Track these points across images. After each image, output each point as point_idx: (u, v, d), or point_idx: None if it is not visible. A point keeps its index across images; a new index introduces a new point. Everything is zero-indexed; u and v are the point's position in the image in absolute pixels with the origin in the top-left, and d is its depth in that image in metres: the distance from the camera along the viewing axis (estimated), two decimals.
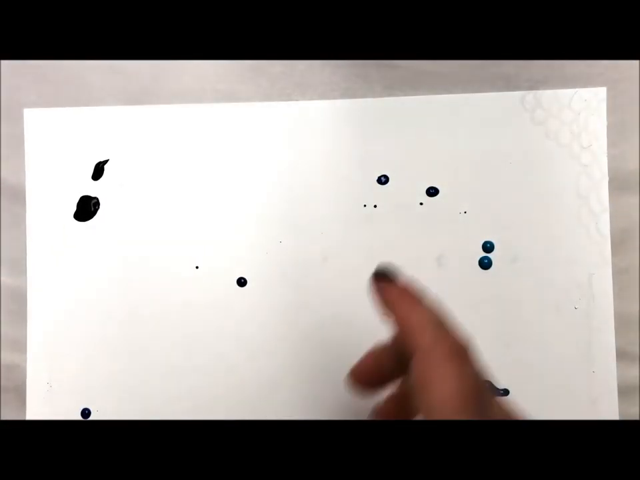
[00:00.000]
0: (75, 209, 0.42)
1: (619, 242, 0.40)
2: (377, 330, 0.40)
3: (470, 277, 0.40)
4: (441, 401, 0.25)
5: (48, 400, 0.42)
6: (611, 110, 0.40)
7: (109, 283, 0.42)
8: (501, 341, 0.40)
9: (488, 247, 0.40)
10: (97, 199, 0.42)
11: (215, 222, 0.41)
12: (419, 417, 0.28)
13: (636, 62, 0.40)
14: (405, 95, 0.41)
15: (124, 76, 0.42)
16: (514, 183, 0.40)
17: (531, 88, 0.40)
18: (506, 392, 0.40)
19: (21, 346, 0.42)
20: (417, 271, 0.40)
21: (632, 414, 0.40)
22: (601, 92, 0.40)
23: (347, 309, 0.40)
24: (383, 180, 0.41)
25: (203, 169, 0.41)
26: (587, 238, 0.40)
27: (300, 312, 0.41)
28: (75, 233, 0.42)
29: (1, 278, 0.42)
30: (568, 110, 0.40)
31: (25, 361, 0.42)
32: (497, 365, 0.40)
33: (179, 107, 0.42)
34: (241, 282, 0.41)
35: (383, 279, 0.30)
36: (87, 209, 0.42)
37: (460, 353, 0.26)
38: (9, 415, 0.42)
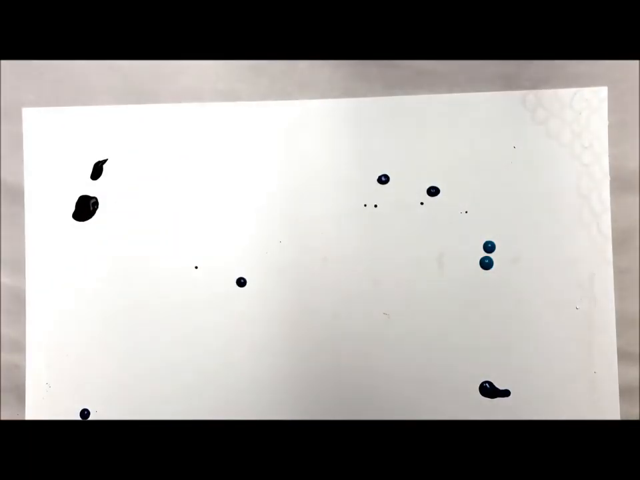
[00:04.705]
0: (73, 208, 0.42)
1: (620, 242, 0.40)
2: (376, 329, 0.40)
3: (471, 277, 0.40)
4: None
5: (47, 400, 0.42)
6: (612, 110, 0.40)
7: (108, 284, 0.41)
8: (501, 341, 0.40)
9: (489, 246, 0.40)
10: (96, 198, 0.42)
11: (215, 222, 0.41)
12: None
13: (636, 62, 0.40)
14: (405, 94, 0.41)
15: (123, 75, 0.42)
16: (515, 182, 0.40)
17: (532, 87, 0.40)
18: (507, 392, 0.39)
19: (20, 346, 0.42)
20: (417, 270, 0.40)
21: (633, 414, 0.39)
22: (602, 91, 0.40)
23: (347, 308, 0.40)
24: (383, 179, 0.40)
25: (202, 169, 0.41)
26: (588, 238, 0.40)
27: (300, 312, 0.40)
28: (73, 233, 0.42)
29: (1, 278, 0.42)
30: (569, 109, 0.40)
31: (24, 361, 0.42)
32: (498, 365, 0.40)
33: (179, 106, 0.42)
34: (241, 282, 0.41)
35: None
36: (85, 208, 0.42)
37: None
38: (8, 415, 0.42)
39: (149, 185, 0.42)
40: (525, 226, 0.40)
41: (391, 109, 0.41)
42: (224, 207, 0.41)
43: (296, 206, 0.41)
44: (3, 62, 0.42)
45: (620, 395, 0.39)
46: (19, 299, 0.42)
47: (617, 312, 0.39)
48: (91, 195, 0.42)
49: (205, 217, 0.41)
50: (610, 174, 0.40)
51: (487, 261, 0.40)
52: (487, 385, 0.40)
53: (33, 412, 0.42)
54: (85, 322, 0.42)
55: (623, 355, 0.39)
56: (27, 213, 0.42)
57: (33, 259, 0.42)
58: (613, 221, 0.40)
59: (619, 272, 0.39)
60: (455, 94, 0.40)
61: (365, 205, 0.41)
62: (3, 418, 0.42)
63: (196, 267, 0.41)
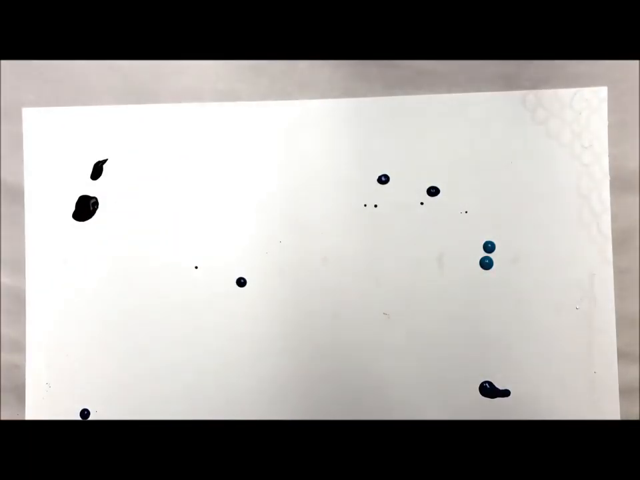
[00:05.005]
0: (73, 208, 0.42)
1: (620, 242, 0.40)
2: (376, 329, 0.40)
3: (471, 276, 0.40)
4: None
5: (47, 400, 0.42)
6: (612, 110, 0.40)
7: (108, 284, 0.41)
8: (502, 341, 0.40)
9: (489, 246, 0.40)
10: (96, 198, 0.42)
11: (215, 222, 0.41)
12: None
13: (636, 62, 0.40)
14: (405, 94, 0.41)
15: (123, 75, 0.42)
16: (515, 182, 0.40)
17: (532, 87, 0.40)
18: (507, 392, 0.39)
19: (20, 346, 0.42)
20: (417, 270, 0.40)
21: (633, 414, 0.39)
22: (602, 91, 0.40)
23: (347, 308, 0.40)
24: (383, 179, 0.40)
25: (202, 169, 0.41)
26: (588, 238, 0.40)
27: (299, 312, 0.40)
28: (73, 233, 0.42)
29: (1, 278, 0.42)
30: (569, 109, 0.40)
31: (24, 361, 0.42)
32: (498, 365, 0.40)
33: (179, 106, 0.42)
34: (241, 282, 0.41)
35: None
36: (85, 208, 0.42)
37: None
38: (8, 415, 0.42)
39: (149, 185, 0.42)
40: (524, 226, 0.40)
41: (391, 109, 0.41)
42: (224, 207, 0.41)
43: (296, 206, 0.41)
44: (3, 62, 0.42)
45: (620, 395, 0.39)
46: (19, 299, 0.42)
47: (617, 312, 0.39)
48: (91, 194, 0.42)
49: (205, 216, 0.41)
50: (610, 174, 0.40)
51: (487, 261, 0.40)
52: (486, 384, 0.40)
53: (33, 412, 0.42)
54: (84, 322, 0.41)
55: (623, 355, 0.39)
56: (27, 212, 0.42)
57: (33, 258, 0.42)
58: (613, 221, 0.40)
59: (618, 272, 0.39)
60: (455, 94, 0.40)
61: (365, 205, 0.41)
62: (2, 418, 0.42)
63: (196, 267, 0.41)
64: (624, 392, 0.39)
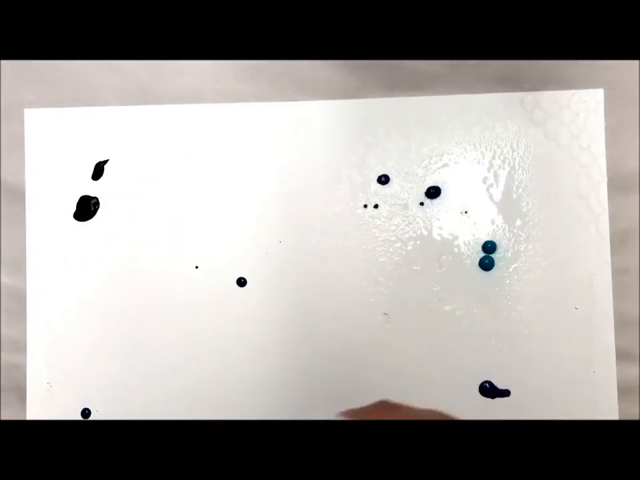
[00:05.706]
0: (74, 208, 0.42)
1: (618, 242, 0.40)
2: (376, 330, 0.41)
3: (470, 277, 0.40)
4: None
5: (48, 400, 0.42)
6: (611, 110, 0.40)
7: (109, 283, 0.42)
8: (501, 341, 0.40)
9: (488, 247, 0.40)
10: (97, 198, 0.42)
11: (215, 222, 0.41)
12: None
13: (635, 62, 0.40)
14: (405, 95, 0.41)
15: (124, 76, 0.42)
16: (515, 183, 0.40)
17: (530, 89, 0.40)
18: (507, 392, 0.40)
19: (20, 346, 0.42)
20: (417, 270, 0.40)
21: (632, 414, 0.40)
22: (599, 94, 0.40)
23: (347, 308, 0.40)
24: (383, 179, 0.41)
25: (202, 169, 0.41)
26: (587, 238, 0.40)
27: (300, 312, 0.41)
28: (74, 233, 0.42)
29: (1, 278, 0.42)
30: (567, 111, 0.40)
31: (25, 361, 0.42)
32: (498, 365, 0.40)
33: (179, 107, 0.42)
34: (241, 282, 0.41)
35: None
36: (86, 208, 0.42)
37: None
38: (9, 415, 0.42)
39: (150, 185, 0.42)
40: (524, 226, 0.40)
41: (391, 110, 0.41)
42: (224, 207, 0.41)
43: (296, 206, 0.41)
44: (3, 62, 0.42)
45: (619, 395, 0.39)
46: (20, 299, 0.42)
47: (616, 312, 0.39)
48: (92, 195, 0.42)
49: (205, 217, 0.41)
50: (608, 175, 0.40)
51: (487, 261, 0.40)
52: (487, 384, 0.40)
53: (34, 412, 0.42)
54: (85, 322, 0.42)
55: (622, 355, 0.39)
56: (27, 212, 0.42)
57: (34, 258, 0.42)
58: (612, 221, 0.40)
59: (617, 272, 0.40)
60: (454, 95, 0.40)
61: (365, 206, 0.41)
62: (3, 418, 0.42)
63: (196, 267, 0.41)
64: (623, 392, 0.39)
